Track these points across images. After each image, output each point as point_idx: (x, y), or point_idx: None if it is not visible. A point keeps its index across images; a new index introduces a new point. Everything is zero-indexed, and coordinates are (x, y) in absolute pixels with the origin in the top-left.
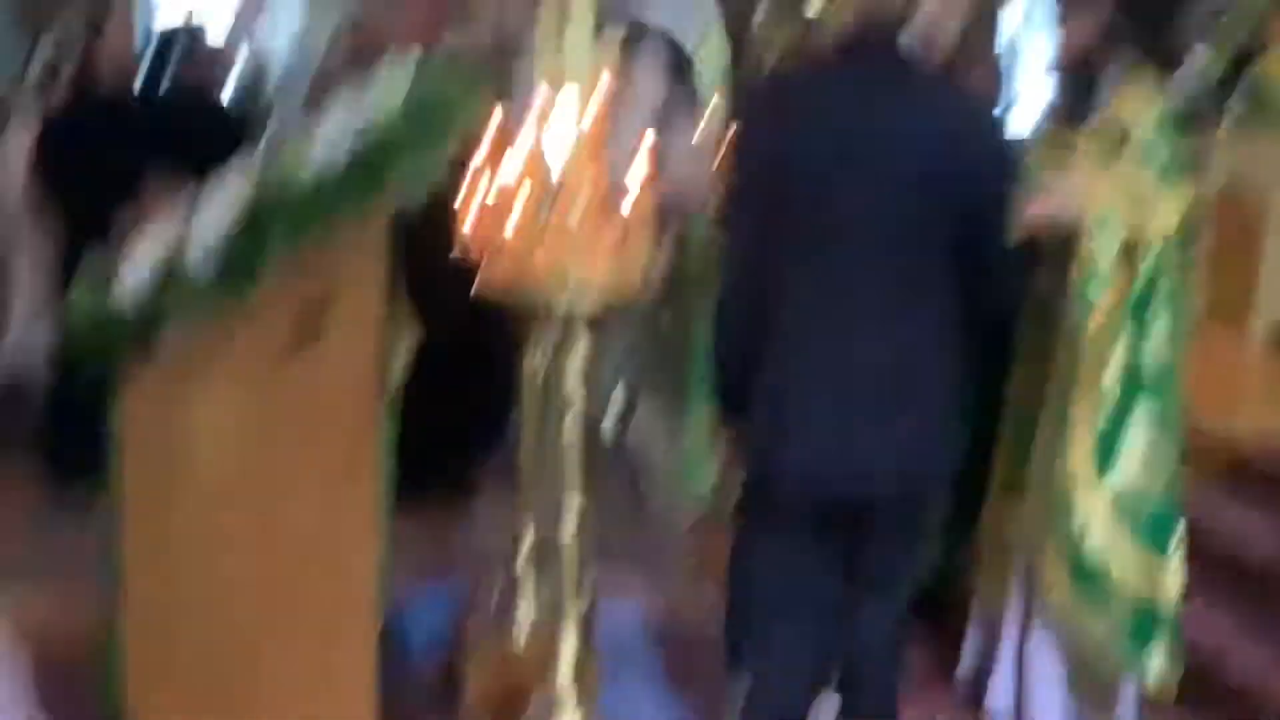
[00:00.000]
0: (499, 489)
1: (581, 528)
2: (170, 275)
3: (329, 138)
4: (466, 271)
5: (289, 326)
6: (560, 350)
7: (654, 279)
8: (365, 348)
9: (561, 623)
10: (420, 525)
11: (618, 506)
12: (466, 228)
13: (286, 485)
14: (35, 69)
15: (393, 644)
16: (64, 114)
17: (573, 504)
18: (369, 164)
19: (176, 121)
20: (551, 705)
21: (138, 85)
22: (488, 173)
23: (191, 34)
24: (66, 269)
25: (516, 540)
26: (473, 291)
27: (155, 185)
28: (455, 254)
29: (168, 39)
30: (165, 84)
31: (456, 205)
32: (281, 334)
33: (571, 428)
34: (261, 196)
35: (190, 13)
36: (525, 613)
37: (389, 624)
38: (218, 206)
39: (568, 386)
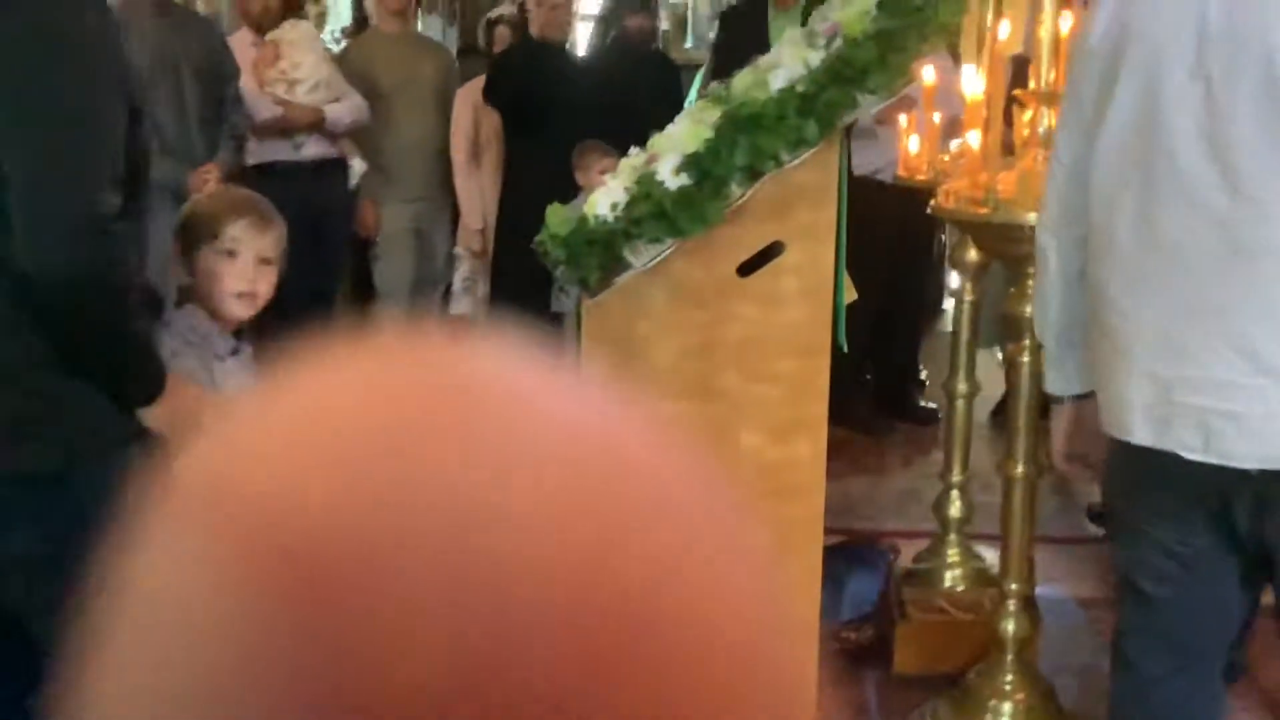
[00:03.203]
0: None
1: (1029, 495)
2: (641, 185)
3: (787, 60)
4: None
5: (740, 260)
6: (1018, 292)
7: None
8: (818, 296)
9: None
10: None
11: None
12: (912, 148)
13: (733, 416)
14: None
15: (827, 592)
16: (511, 51)
17: (1019, 471)
18: (838, 77)
19: (617, 66)
20: (991, 669)
21: (588, 31)
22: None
23: None
24: (517, 196)
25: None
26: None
27: (602, 127)
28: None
29: None
30: (611, 31)
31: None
32: (732, 266)
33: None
34: (727, 114)
35: None
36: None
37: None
38: (683, 123)
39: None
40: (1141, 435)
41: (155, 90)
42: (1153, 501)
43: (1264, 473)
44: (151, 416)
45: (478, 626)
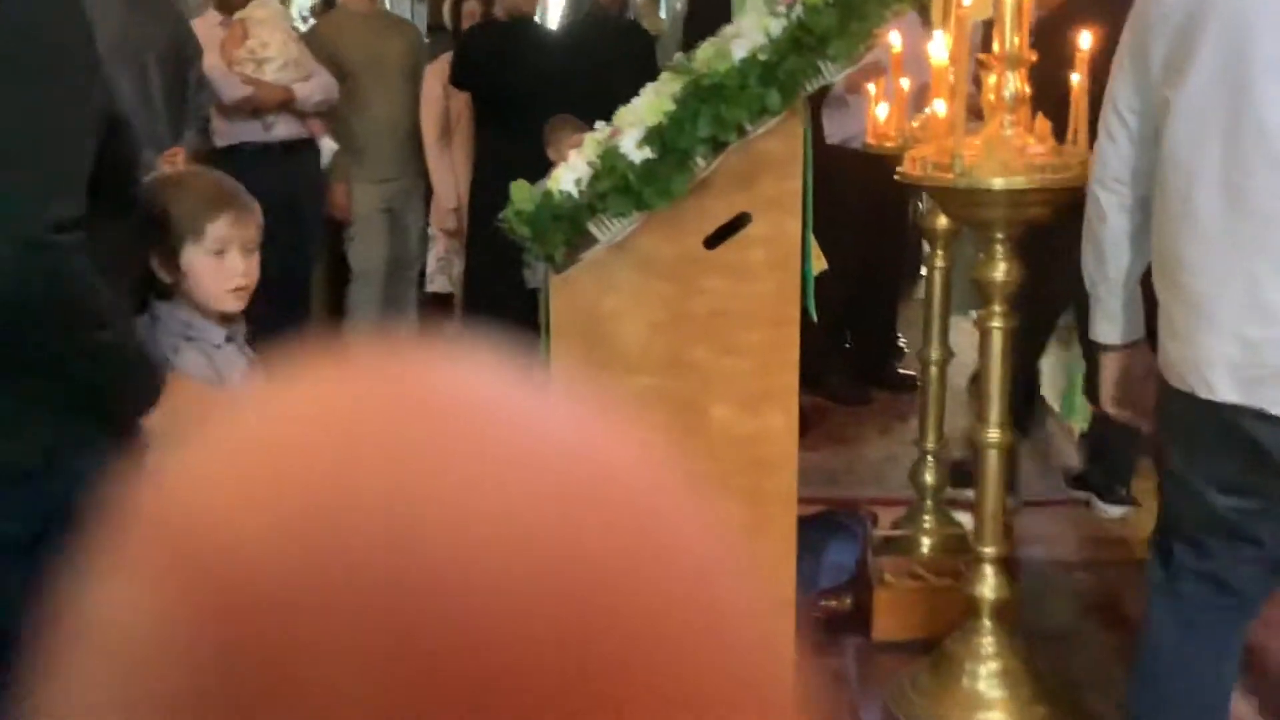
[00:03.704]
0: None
1: (1003, 460)
2: (605, 159)
3: (748, 29)
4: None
5: (707, 233)
6: (986, 258)
7: None
8: (786, 267)
9: (979, 558)
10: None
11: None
12: (880, 116)
13: (703, 389)
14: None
15: (804, 561)
16: (477, 31)
17: (993, 439)
18: (798, 45)
19: (590, 38)
20: (968, 633)
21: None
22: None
23: None
24: (488, 173)
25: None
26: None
27: (576, 102)
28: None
29: None
30: (583, 4)
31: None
32: (699, 239)
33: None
34: (689, 85)
35: None
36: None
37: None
38: (647, 96)
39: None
40: (1226, 393)
41: (119, 75)
42: (1217, 457)
43: None
44: (153, 418)
45: (415, 653)
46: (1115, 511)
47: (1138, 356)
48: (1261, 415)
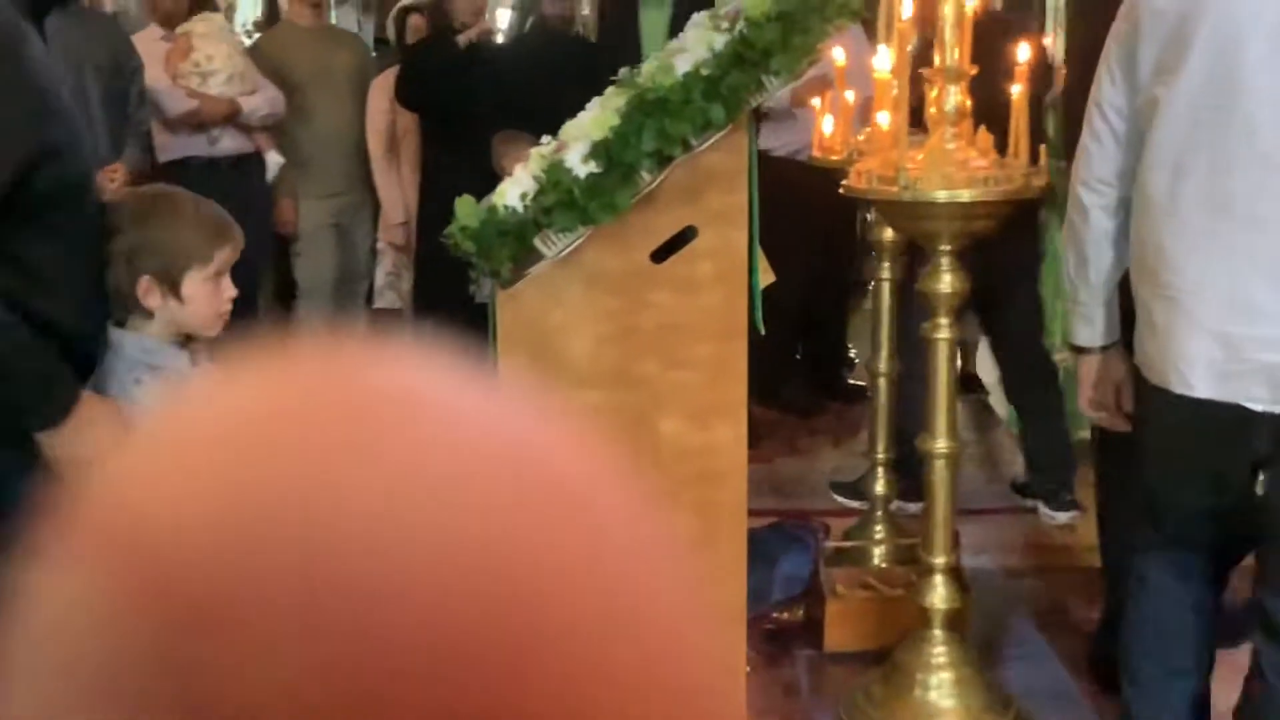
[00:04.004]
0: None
1: (950, 470)
2: (550, 174)
3: (691, 44)
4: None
5: (653, 247)
6: (931, 269)
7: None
8: (733, 280)
9: (929, 569)
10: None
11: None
12: (826, 129)
13: (652, 403)
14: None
15: (757, 573)
16: (423, 46)
17: (941, 449)
18: (740, 60)
19: (537, 53)
20: (919, 643)
21: (504, 20)
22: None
23: None
24: (436, 187)
25: (876, 478)
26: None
27: (524, 115)
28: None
29: None
30: (530, 18)
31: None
32: (646, 253)
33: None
34: (633, 100)
35: None
36: (885, 553)
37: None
38: (592, 111)
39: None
40: (1205, 389)
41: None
42: (1191, 449)
43: None
44: (63, 441)
45: (338, 650)
46: (1062, 517)
47: (1114, 359)
48: (1236, 409)
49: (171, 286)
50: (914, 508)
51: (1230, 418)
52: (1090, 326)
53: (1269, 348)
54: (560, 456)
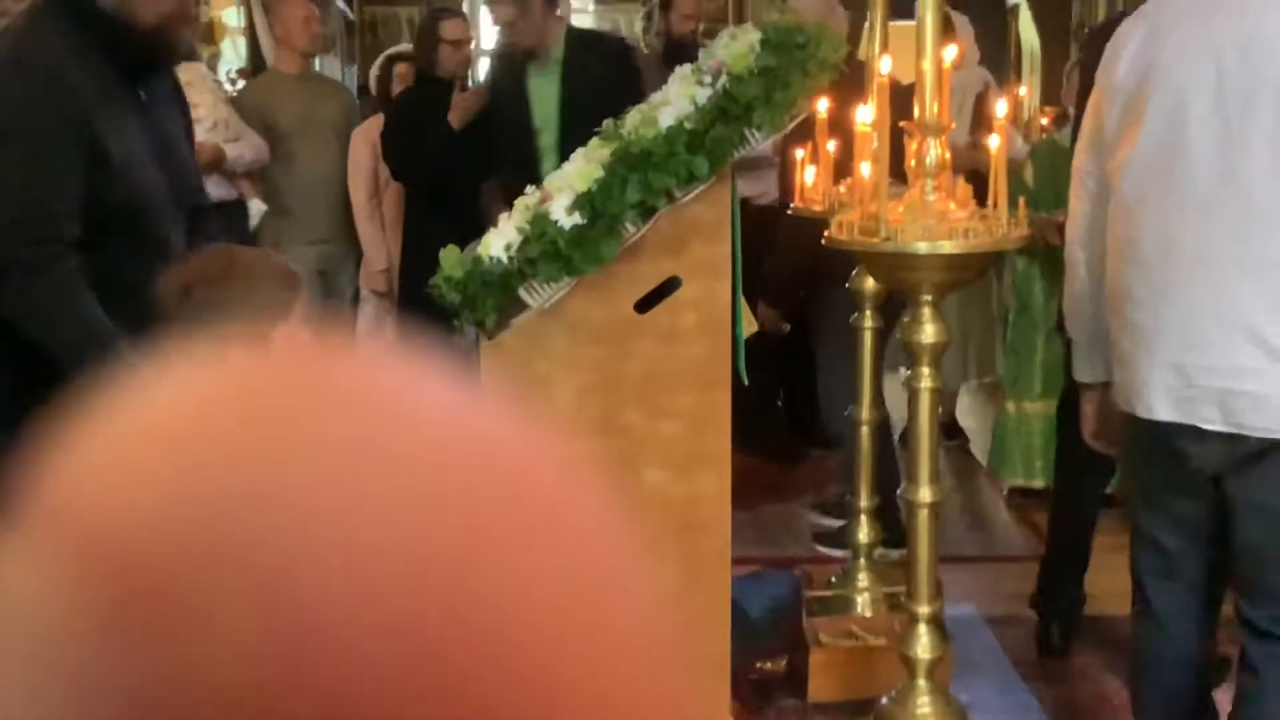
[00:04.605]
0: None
1: (933, 519)
2: (534, 225)
3: (675, 98)
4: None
5: (637, 297)
6: (912, 320)
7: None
8: (716, 330)
9: (913, 618)
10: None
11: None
12: (809, 180)
13: (636, 453)
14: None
15: (740, 622)
16: (406, 95)
17: (921, 495)
18: (724, 114)
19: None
20: (903, 694)
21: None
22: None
23: None
24: (420, 236)
25: (855, 526)
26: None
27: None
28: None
29: None
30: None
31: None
32: (630, 303)
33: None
34: (618, 152)
35: None
36: (867, 601)
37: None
38: (576, 162)
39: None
40: (1165, 413)
41: None
42: (1169, 470)
43: (1263, 440)
44: None
45: (284, 652)
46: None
47: (1110, 396)
48: (1194, 431)
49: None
50: (896, 554)
51: (1187, 439)
52: (1091, 366)
53: (1216, 375)
54: (529, 456)
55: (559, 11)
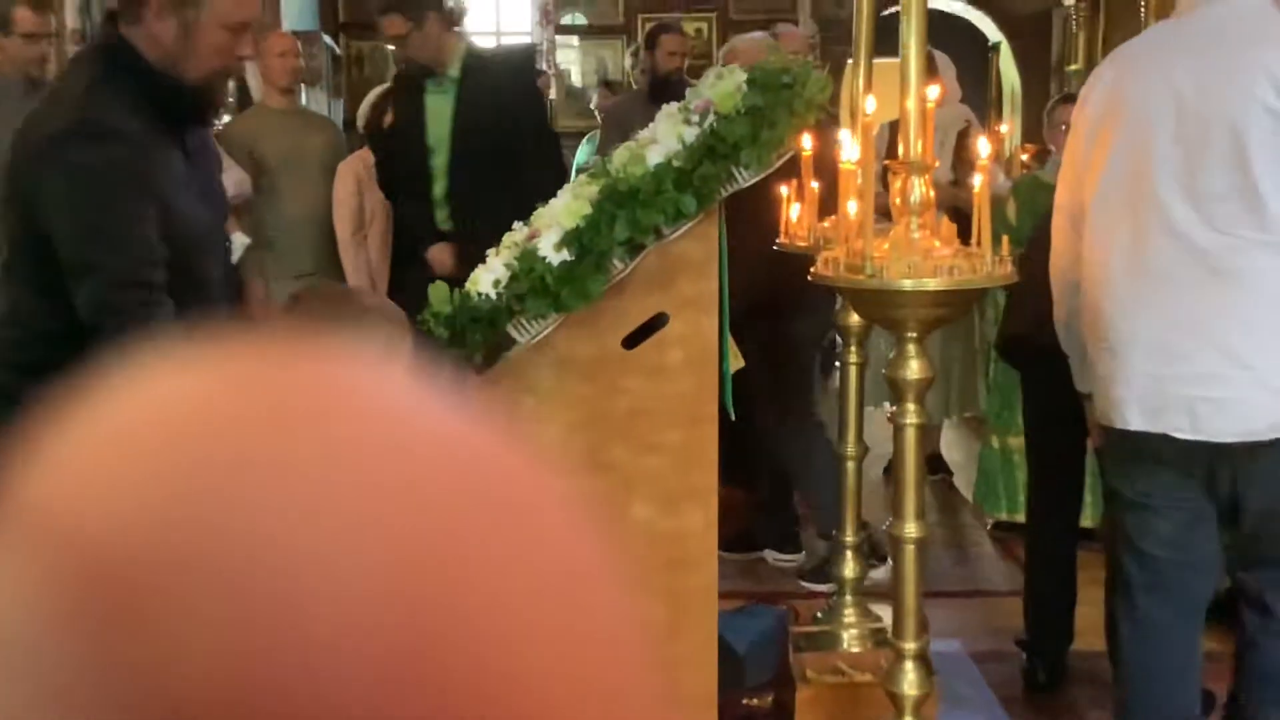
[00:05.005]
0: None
1: (919, 555)
2: (523, 261)
3: (662, 135)
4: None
5: (625, 333)
6: (897, 356)
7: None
8: (703, 366)
9: (899, 655)
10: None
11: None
12: (793, 216)
13: (623, 489)
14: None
15: (726, 658)
16: (389, 136)
17: (907, 531)
18: (712, 152)
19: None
20: None
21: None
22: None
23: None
24: (407, 273)
25: (841, 565)
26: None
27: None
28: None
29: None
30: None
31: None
32: (617, 339)
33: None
34: (606, 189)
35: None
36: (852, 639)
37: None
38: (564, 199)
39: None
40: (1137, 423)
41: None
42: (1150, 479)
43: (1240, 444)
44: None
45: (257, 651)
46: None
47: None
48: (1166, 438)
49: None
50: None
51: (1160, 445)
52: (1087, 379)
53: (1185, 383)
54: (500, 459)
55: (458, 29)
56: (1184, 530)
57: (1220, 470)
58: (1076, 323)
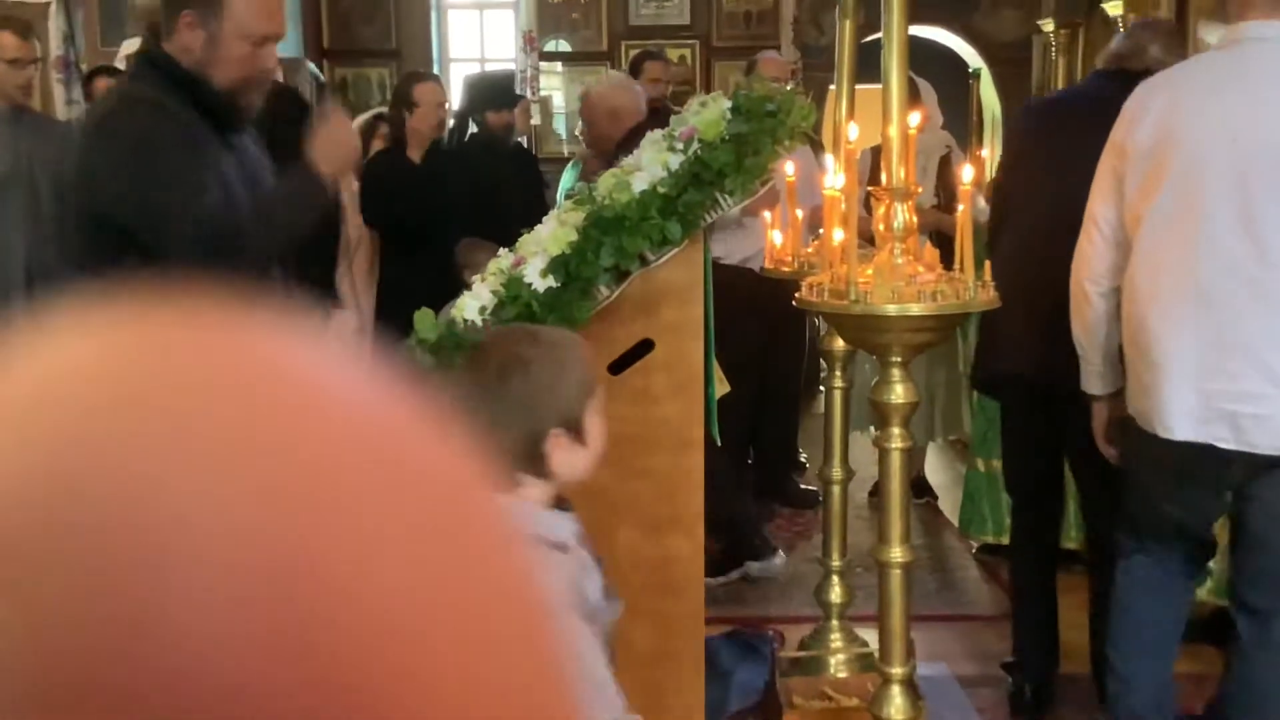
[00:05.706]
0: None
1: (906, 579)
2: (509, 288)
3: (647, 163)
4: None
5: (611, 359)
6: (882, 380)
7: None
8: (688, 392)
9: (886, 679)
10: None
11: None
12: (777, 241)
13: (609, 514)
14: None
15: (714, 683)
16: (380, 164)
17: (895, 558)
18: (696, 179)
19: (482, 162)
20: None
21: (448, 128)
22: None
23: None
24: (393, 297)
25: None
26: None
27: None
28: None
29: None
30: (472, 128)
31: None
32: (603, 365)
33: (896, 469)
34: (591, 216)
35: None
36: (840, 663)
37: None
38: (550, 225)
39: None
40: (1184, 433)
41: (10, 197)
42: (1171, 479)
43: (1274, 457)
44: None
45: (119, 618)
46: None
47: (1118, 403)
48: (1209, 449)
49: (576, 433)
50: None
51: (1202, 455)
52: (1101, 379)
53: (1230, 399)
54: (413, 442)
55: None
56: (1191, 525)
57: (1247, 481)
58: (1103, 323)
